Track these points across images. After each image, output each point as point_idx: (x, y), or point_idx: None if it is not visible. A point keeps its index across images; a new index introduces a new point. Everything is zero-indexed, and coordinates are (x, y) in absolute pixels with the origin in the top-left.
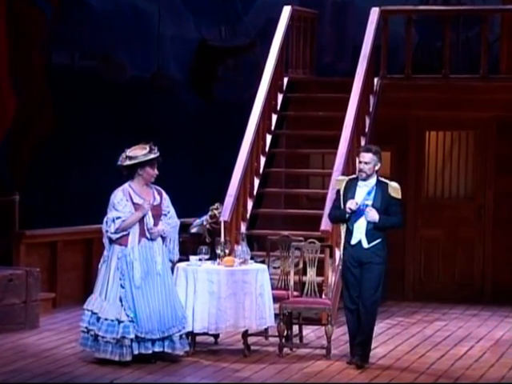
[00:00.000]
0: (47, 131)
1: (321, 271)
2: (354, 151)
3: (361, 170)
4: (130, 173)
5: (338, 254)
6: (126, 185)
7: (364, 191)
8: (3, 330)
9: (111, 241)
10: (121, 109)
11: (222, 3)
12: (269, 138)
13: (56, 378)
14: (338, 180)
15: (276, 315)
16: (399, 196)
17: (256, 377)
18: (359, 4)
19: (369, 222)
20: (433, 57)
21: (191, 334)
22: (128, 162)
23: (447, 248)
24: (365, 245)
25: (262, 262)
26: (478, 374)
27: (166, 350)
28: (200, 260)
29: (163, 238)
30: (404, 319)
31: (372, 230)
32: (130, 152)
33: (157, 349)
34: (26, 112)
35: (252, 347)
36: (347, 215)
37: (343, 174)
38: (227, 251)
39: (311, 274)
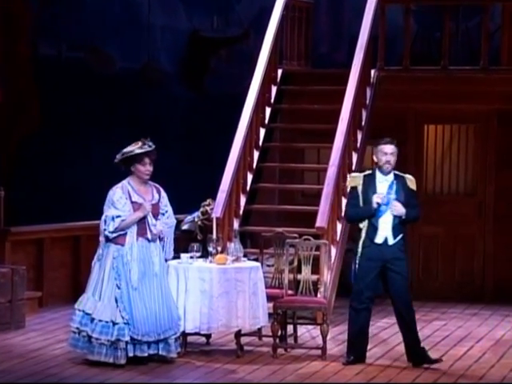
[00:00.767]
0: (34, 124)
1: (316, 269)
2: (350, 145)
3: (387, 163)
4: (127, 169)
5: (334, 251)
6: (124, 181)
7: (385, 186)
8: None
9: (107, 239)
10: (110, 102)
11: None
12: (262, 131)
13: (43, 379)
14: (352, 177)
15: (270, 314)
16: (415, 188)
17: (249, 378)
18: None
19: (395, 217)
20: (432, 48)
21: (182, 334)
22: (117, 158)
23: (446, 245)
24: (390, 241)
25: (256, 259)
26: (478, 375)
27: (160, 352)
28: (191, 258)
29: (160, 238)
30: None
31: (397, 225)
32: (126, 148)
33: (152, 351)
34: (11, 105)
35: (245, 347)
36: (373, 211)
37: (339, 168)
38: (219, 249)
39: (306, 272)
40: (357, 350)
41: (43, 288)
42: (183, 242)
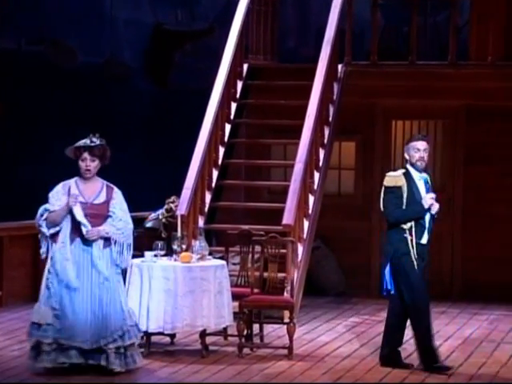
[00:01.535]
0: None
1: (283, 267)
2: (317, 141)
3: (421, 159)
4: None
5: (301, 249)
6: (74, 178)
7: (422, 184)
8: None
9: (47, 238)
10: (72, 97)
11: None
12: (228, 127)
13: (3, 380)
14: (392, 176)
15: (235, 314)
16: None
17: (214, 378)
18: None
19: (432, 216)
20: (399, 42)
21: (146, 334)
22: (67, 154)
23: None
24: (426, 240)
25: (221, 257)
26: (446, 374)
27: (102, 362)
28: (155, 256)
29: (106, 240)
30: (370, 317)
31: (432, 225)
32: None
33: (82, 360)
34: None
35: (210, 347)
36: (425, 211)
37: (306, 164)
38: (184, 247)
39: (272, 271)
40: (430, 353)
41: (2, 287)
42: (147, 240)
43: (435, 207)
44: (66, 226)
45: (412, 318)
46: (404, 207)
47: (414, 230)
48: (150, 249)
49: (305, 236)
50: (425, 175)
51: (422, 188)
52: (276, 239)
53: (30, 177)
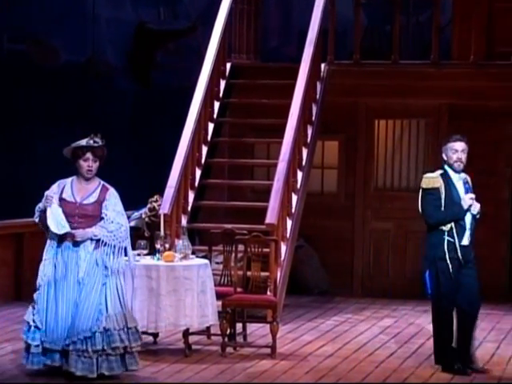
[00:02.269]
0: None
1: (266, 266)
2: (300, 140)
3: (459, 160)
4: (74, 165)
5: (284, 248)
6: (71, 177)
7: (461, 184)
8: None
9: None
10: (54, 96)
11: None
12: (211, 126)
13: None
14: (429, 178)
15: (219, 313)
16: None
17: (197, 378)
18: None
19: (473, 217)
20: (382, 42)
21: None
22: (64, 152)
23: (397, 241)
24: (469, 242)
25: (204, 256)
26: (429, 373)
27: (61, 363)
28: (138, 255)
29: (99, 243)
30: (352, 316)
31: (474, 225)
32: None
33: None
34: None
35: (193, 347)
36: (465, 212)
37: (289, 164)
38: (167, 246)
39: (256, 270)
40: (463, 356)
41: None
42: (130, 239)
43: (476, 207)
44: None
45: (434, 320)
46: (442, 209)
47: (454, 231)
48: (133, 248)
49: (288, 235)
50: (464, 175)
51: (460, 188)
52: (259, 238)
53: (11, 176)
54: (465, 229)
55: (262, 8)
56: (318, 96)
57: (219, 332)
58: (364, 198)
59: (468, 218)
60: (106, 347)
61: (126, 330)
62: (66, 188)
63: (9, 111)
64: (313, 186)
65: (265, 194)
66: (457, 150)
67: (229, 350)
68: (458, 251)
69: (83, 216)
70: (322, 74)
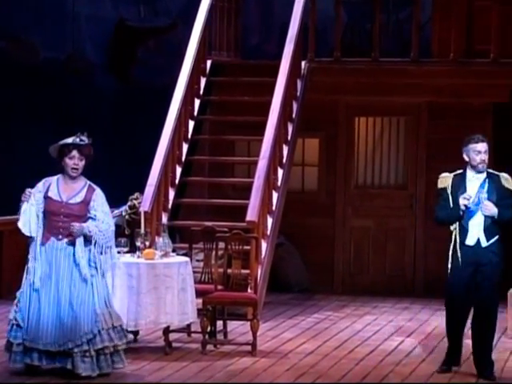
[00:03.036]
0: None
1: (246, 264)
2: (280, 138)
3: (483, 162)
4: (60, 164)
5: (265, 245)
6: (57, 175)
7: (476, 185)
8: None
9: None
10: (33, 93)
11: None
12: (191, 124)
13: None
14: (442, 177)
15: (199, 310)
16: None
17: (177, 375)
18: None
19: (486, 218)
20: (362, 39)
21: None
22: (50, 150)
23: (378, 239)
24: (483, 243)
25: (185, 254)
26: (409, 370)
27: (67, 366)
28: (119, 253)
29: (89, 242)
30: (333, 313)
31: (490, 226)
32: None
33: (58, 364)
34: None
35: (174, 344)
36: (461, 213)
37: (269, 161)
38: (147, 243)
39: (236, 267)
40: (454, 359)
41: None
42: None
43: (486, 208)
44: (40, 225)
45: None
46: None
47: (457, 230)
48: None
49: (268, 232)
50: (483, 176)
51: (471, 189)
52: (240, 236)
53: None
54: (466, 230)
55: (243, 5)
56: (298, 93)
57: (200, 329)
58: (344, 195)
59: (477, 219)
60: (100, 346)
61: (113, 328)
62: (52, 186)
63: None
64: (293, 184)
65: (245, 191)
66: (480, 151)
67: (209, 347)
68: (459, 251)
69: (68, 215)
70: (302, 71)
